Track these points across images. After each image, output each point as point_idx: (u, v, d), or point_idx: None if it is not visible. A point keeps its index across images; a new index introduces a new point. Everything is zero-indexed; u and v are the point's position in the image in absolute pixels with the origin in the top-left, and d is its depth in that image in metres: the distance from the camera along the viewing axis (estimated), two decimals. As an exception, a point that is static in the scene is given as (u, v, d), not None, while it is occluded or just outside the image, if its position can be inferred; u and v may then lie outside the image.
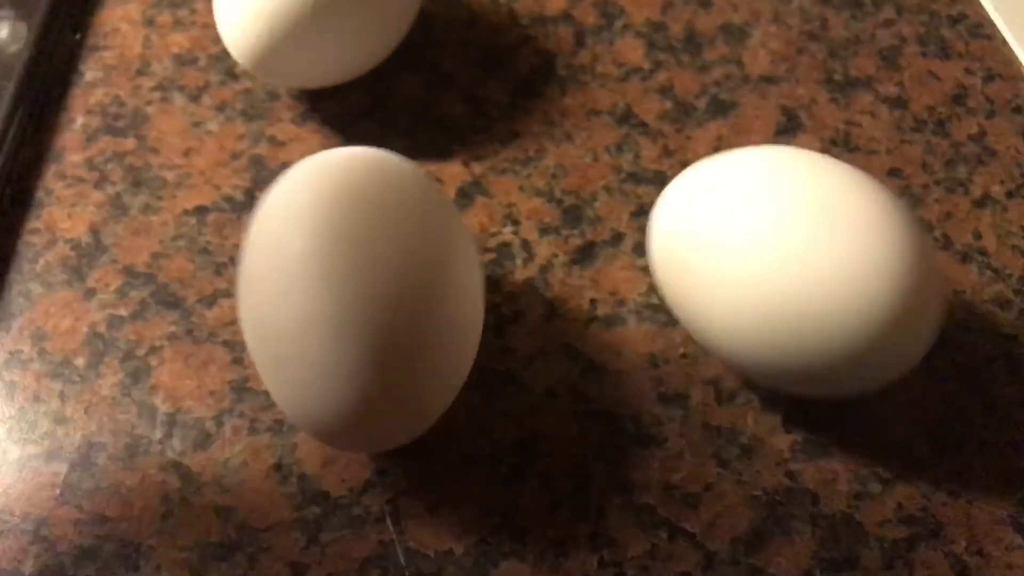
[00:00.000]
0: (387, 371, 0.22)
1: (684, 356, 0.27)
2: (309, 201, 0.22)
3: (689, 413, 0.27)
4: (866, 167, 0.30)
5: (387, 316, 0.22)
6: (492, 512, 0.25)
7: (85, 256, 0.29)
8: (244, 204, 0.30)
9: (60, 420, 0.27)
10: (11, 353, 0.28)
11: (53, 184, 0.30)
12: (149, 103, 0.32)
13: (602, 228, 0.29)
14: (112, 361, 0.27)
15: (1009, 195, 0.30)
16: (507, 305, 0.28)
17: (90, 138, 0.31)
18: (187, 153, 0.31)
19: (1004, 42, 0.33)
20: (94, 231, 0.30)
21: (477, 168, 0.31)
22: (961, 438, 0.26)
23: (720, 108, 0.32)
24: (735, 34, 0.33)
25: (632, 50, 0.33)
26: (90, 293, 0.29)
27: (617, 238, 0.29)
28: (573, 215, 0.30)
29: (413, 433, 0.24)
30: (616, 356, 0.27)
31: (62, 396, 0.27)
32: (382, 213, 0.22)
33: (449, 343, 0.23)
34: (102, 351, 0.28)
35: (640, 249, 0.29)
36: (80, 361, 0.27)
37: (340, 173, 0.23)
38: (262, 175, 0.30)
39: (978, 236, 0.29)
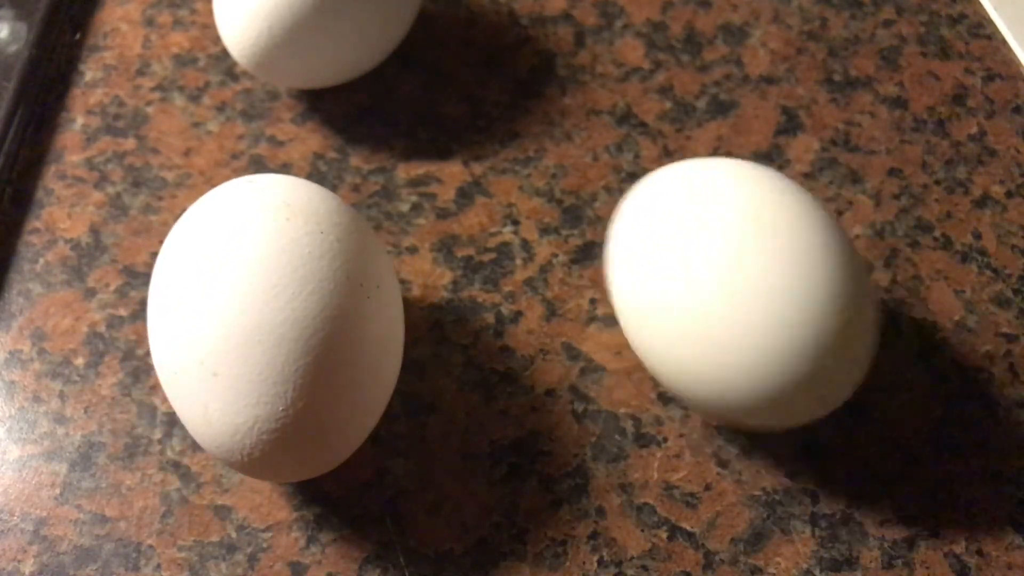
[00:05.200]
0: (309, 392, 0.22)
1: (684, 356, 0.27)
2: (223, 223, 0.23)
3: (689, 413, 0.27)
4: (866, 167, 0.30)
5: (308, 335, 0.22)
6: (492, 512, 0.25)
7: (85, 256, 0.29)
8: (244, 204, 0.30)
9: (60, 420, 0.27)
10: (11, 353, 0.28)
11: (53, 184, 0.30)
12: (149, 103, 0.32)
13: (602, 228, 0.29)
14: (112, 361, 0.27)
15: (1009, 195, 0.30)
16: (507, 305, 0.28)
17: (90, 138, 0.31)
18: (187, 153, 0.31)
19: (1004, 42, 0.33)
20: (94, 231, 0.30)
21: (477, 168, 0.31)
22: (961, 438, 0.26)
23: (720, 108, 0.32)
24: (735, 34, 0.33)
25: (632, 50, 0.33)
26: (90, 293, 0.29)
27: (617, 238, 0.29)
28: (573, 215, 0.30)
29: (330, 463, 0.24)
30: (616, 356, 0.27)
31: (62, 396, 0.27)
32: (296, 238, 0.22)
33: (370, 368, 0.23)
34: (102, 351, 0.28)
35: (640, 249, 0.29)
36: (80, 361, 0.27)
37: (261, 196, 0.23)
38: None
39: (978, 236, 0.29)
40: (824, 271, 0.22)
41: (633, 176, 0.30)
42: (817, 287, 0.22)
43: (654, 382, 0.27)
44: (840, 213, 0.30)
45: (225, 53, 0.33)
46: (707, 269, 0.23)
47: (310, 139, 0.31)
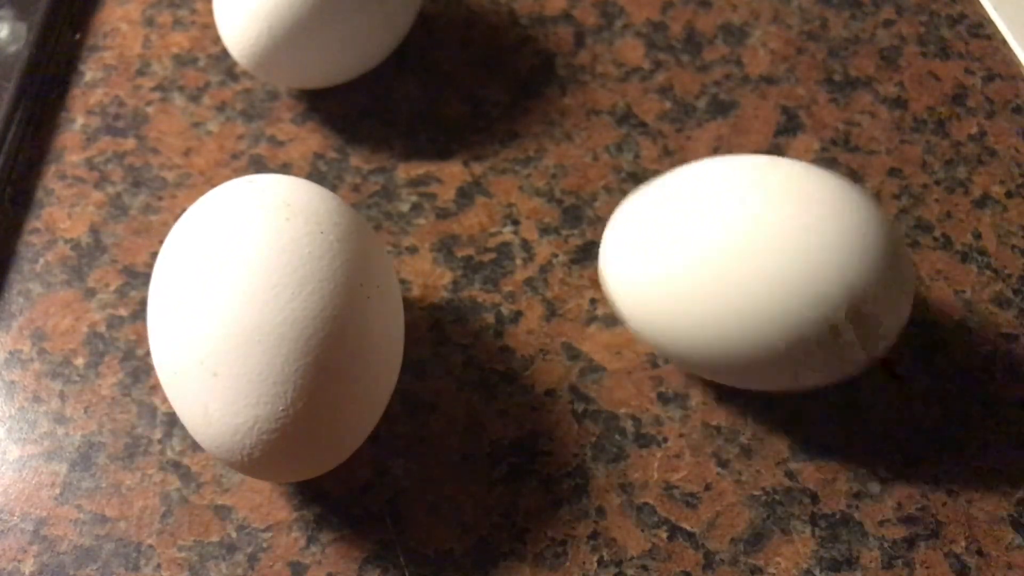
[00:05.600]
0: (309, 392, 0.22)
1: (684, 356, 0.27)
2: (227, 223, 0.23)
3: (689, 413, 0.27)
4: (866, 167, 0.30)
5: (309, 335, 0.22)
6: (492, 512, 0.25)
7: (85, 256, 0.29)
8: (244, 204, 0.30)
9: (60, 420, 0.27)
10: (11, 353, 0.28)
11: (53, 184, 0.30)
12: (149, 103, 0.32)
13: (602, 228, 0.29)
14: (112, 361, 0.27)
15: (1009, 195, 0.30)
16: (507, 305, 0.28)
17: (90, 138, 0.31)
18: (187, 153, 0.31)
19: (1004, 42, 0.33)
20: (94, 231, 0.30)
21: (477, 168, 0.31)
22: (961, 438, 0.26)
23: (720, 108, 0.32)
24: (735, 34, 0.33)
25: (632, 50, 0.33)
26: (90, 293, 0.29)
27: (617, 238, 0.29)
28: (573, 215, 0.30)
29: (330, 463, 0.24)
30: (616, 356, 0.27)
31: (62, 396, 0.27)
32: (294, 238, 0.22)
33: (370, 368, 0.23)
34: (102, 351, 0.28)
35: (640, 249, 0.29)
36: (80, 361, 0.27)
37: (262, 196, 0.23)
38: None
39: (978, 236, 0.29)
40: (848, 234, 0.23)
41: (633, 176, 0.30)
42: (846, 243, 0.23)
43: (654, 382, 0.27)
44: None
45: (225, 53, 0.33)
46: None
47: (310, 139, 0.31)
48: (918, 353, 0.27)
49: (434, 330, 0.28)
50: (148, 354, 0.27)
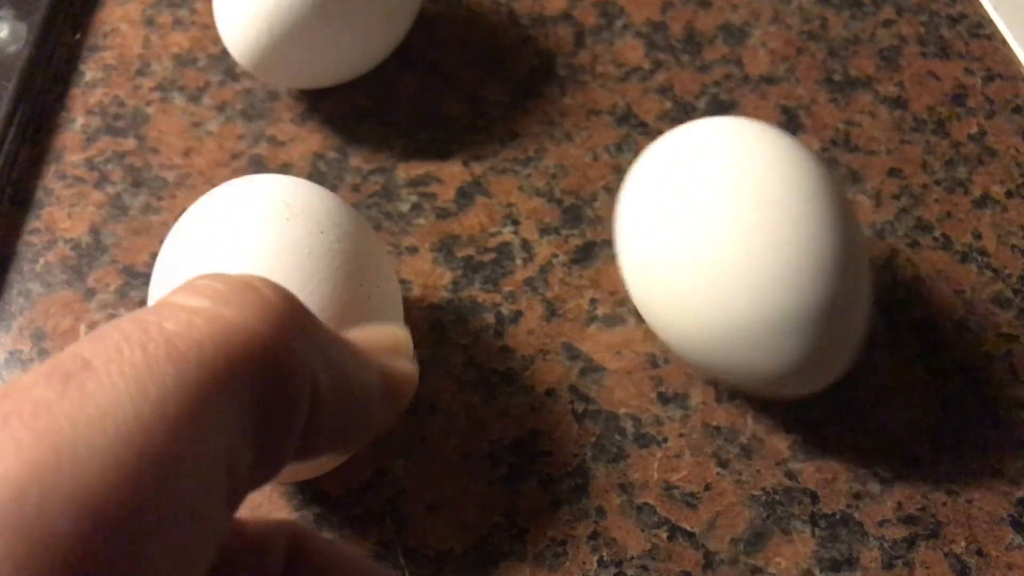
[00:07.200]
0: None
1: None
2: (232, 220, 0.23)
3: (689, 413, 0.27)
4: (866, 167, 0.30)
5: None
6: (492, 512, 0.25)
7: (85, 256, 0.29)
8: (244, 204, 0.30)
9: (60, 420, 0.27)
10: (11, 353, 0.28)
11: (53, 184, 0.30)
12: (149, 103, 0.32)
13: (602, 228, 0.29)
14: (112, 361, 0.27)
15: (1009, 195, 0.30)
16: (507, 305, 0.28)
17: (90, 138, 0.31)
18: (187, 153, 0.31)
19: (1004, 42, 0.33)
20: (94, 231, 0.30)
21: (477, 168, 0.31)
22: (961, 438, 0.26)
23: (720, 108, 0.32)
24: (735, 34, 0.33)
25: (632, 50, 0.33)
26: (90, 293, 0.29)
27: (617, 238, 0.29)
28: (573, 215, 0.30)
29: (330, 463, 0.24)
30: (616, 356, 0.27)
31: (62, 396, 0.27)
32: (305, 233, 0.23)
33: None
34: (102, 351, 0.28)
35: (640, 249, 0.29)
36: (80, 361, 0.27)
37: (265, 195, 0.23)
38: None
39: (978, 236, 0.29)
40: (825, 239, 0.23)
41: (633, 176, 0.30)
42: (818, 254, 0.23)
43: (654, 382, 0.27)
44: (840, 213, 0.30)
45: (225, 53, 0.33)
46: (714, 232, 0.23)
47: (310, 139, 0.31)
48: (918, 353, 0.27)
49: (434, 330, 0.28)
50: (148, 354, 0.27)
